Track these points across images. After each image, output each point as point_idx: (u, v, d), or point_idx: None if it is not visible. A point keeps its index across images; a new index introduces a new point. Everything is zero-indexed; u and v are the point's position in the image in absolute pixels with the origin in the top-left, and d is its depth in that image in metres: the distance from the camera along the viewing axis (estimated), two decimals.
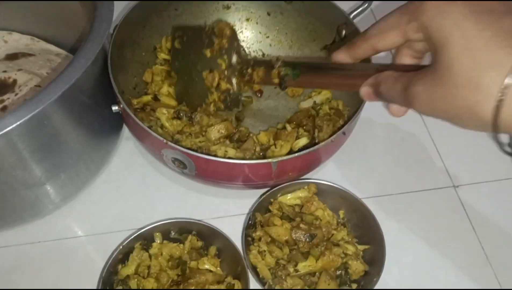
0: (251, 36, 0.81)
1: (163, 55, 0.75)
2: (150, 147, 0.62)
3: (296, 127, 0.68)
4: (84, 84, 0.56)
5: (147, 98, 0.71)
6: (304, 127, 0.68)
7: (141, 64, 0.75)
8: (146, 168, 0.70)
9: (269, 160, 0.55)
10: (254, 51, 0.81)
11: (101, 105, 0.62)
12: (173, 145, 0.55)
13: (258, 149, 0.65)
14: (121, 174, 0.69)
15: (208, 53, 0.63)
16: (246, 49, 0.81)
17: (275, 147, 0.64)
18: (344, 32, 0.71)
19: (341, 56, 0.52)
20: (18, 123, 0.48)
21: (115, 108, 0.61)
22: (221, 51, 0.62)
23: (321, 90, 0.74)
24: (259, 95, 0.77)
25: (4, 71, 0.71)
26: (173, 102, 0.70)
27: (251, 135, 0.68)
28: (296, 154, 0.56)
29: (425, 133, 0.75)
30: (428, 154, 0.73)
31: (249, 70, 0.62)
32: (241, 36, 0.81)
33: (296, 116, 0.70)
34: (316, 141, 0.64)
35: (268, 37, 0.81)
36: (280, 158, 0.55)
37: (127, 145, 0.72)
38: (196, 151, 0.56)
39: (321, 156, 0.63)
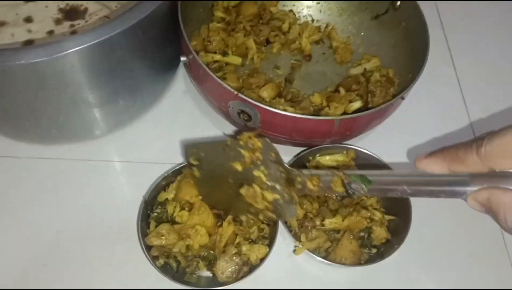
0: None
1: (219, 13, 0.77)
2: (217, 98, 0.64)
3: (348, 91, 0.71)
4: (154, 21, 0.60)
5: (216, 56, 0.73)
6: (356, 92, 0.70)
7: (197, 21, 0.76)
8: (194, 110, 0.74)
9: (333, 117, 0.58)
10: (303, 16, 0.84)
11: (165, 45, 0.66)
12: (243, 97, 0.58)
13: (312, 109, 0.68)
14: (171, 112, 0.73)
15: (239, 166, 0.54)
16: (296, 14, 0.83)
17: (329, 109, 0.67)
18: (399, 3, 0.72)
19: (433, 167, 0.42)
20: (91, 43, 0.52)
21: (183, 58, 0.64)
22: (255, 163, 0.54)
23: (371, 58, 0.76)
24: (307, 59, 0.79)
25: None
26: (237, 60, 0.73)
27: (305, 95, 0.71)
28: (361, 113, 0.59)
29: (467, 123, 0.77)
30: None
31: (299, 179, 0.52)
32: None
33: (346, 82, 0.73)
34: (370, 105, 0.67)
35: (318, 3, 0.83)
36: (344, 116, 0.59)
37: (179, 85, 0.76)
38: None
39: (376, 120, 0.66)
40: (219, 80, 0.59)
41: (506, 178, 0.39)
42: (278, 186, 0.53)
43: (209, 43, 0.74)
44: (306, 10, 0.83)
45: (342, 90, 0.70)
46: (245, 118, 0.61)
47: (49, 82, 0.55)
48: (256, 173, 0.53)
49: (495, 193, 0.39)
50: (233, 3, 0.79)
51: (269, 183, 0.53)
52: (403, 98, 0.63)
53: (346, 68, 0.78)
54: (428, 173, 0.43)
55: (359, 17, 0.80)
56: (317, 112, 0.69)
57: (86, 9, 0.74)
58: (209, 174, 0.58)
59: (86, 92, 0.59)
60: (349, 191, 0.50)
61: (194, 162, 0.58)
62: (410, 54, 0.72)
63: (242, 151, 0.53)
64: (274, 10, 0.80)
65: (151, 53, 0.63)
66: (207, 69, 0.60)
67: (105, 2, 0.76)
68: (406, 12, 0.73)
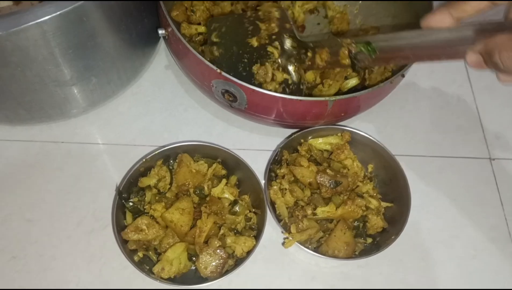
0: None
1: None
2: (199, 76, 0.58)
3: None
4: None
5: (200, 27, 0.66)
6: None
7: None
8: (176, 88, 0.68)
9: (326, 98, 0.53)
10: None
11: (142, 16, 0.59)
12: (227, 76, 0.52)
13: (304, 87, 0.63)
14: (151, 89, 0.68)
15: (254, 42, 0.55)
16: None
17: (323, 86, 0.61)
18: None
19: (439, 18, 0.44)
20: (55, 14, 0.47)
21: (161, 31, 0.58)
22: (270, 37, 0.55)
23: (369, 29, 0.71)
24: (300, 30, 0.73)
25: None
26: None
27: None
28: (357, 93, 0.54)
29: (471, 101, 0.71)
30: (469, 122, 0.69)
31: (309, 54, 0.54)
32: None
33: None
34: (367, 82, 0.62)
35: None
36: (338, 97, 0.53)
37: (160, 61, 0.70)
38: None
39: (373, 99, 0.61)
40: (200, 56, 0.53)
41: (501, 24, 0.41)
42: (289, 66, 0.54)
43: (192, 13, 0.67)
44: None
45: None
46: (230, 99, 0.55)
47: (11, 59, 0.50)
48: (270, 49, 0.54)
49: (490, 38, 0.39)
50: None
51: (280, 61, 0.54)
52: (403, 76, 0.57)
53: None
54: (431, 34, 0.45)
55: None
56: (310, 90, 0.63)
57: None
58: (226, 53, 0.57)
59: (54, 69, 0.53)
60: (355, 62, 0.52)
61: (216, 39, 0.57)
62: (411, 26, 0.66)
63: (260, 24, 0.55)
64: None
65: (126, 25, 0.57)
66: (187, 44, 0.54)
67: None
68: None
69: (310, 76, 0.63)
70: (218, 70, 0.52)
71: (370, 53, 0.51)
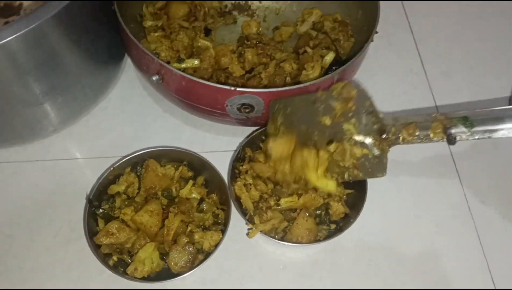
0: None
1: (149, 22, 0.72)
2: (209, 103, 0.59)
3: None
4: (84, 7, 0.57)
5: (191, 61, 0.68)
6: (319, 46, 0.69)
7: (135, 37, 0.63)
8: (145, 99, 0.71)
9: (332, 74, 0.57)
10: None
11: (101, 33, 0.63)
12: (243, 89, 0.55)
13: (288, 79, 0.66)
14: (119, 103, 0.71)
15: (327, 121, 0.53)
16: None
17: (307, 70, 0.65)
18: None
19: None
20: (15, 35, 0.50)
21: (155, 77, 0.59)
22: (346, 115, 0.52)
23: (311, 10, 0.75)
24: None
25: None
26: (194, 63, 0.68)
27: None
28: (354, 59, 0.59)
29: (427, 90, 0.75)
30: (426, 109, 0.73)
31: (393, 130, 0.51)
32: None
33: (301, 42, 0.71)
34: (342, 52, 0.68)
35: None
36: (342, 68, 0.58)
37: (128, 74, 0.74)
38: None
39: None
40: (210, 83, 0.56)
41: None
42: (368, 140, 0.52)
43: (157, 56, 0.67)
44: None
45: (308, 50, 0.69)
46: (247, 110, 0.58)
47: None
48: (346, 126, 0.52)
49: None
50: (159, 4, 0.74)
51: (358, 138, 0.52)
52: (377, 32, 0.62)
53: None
54: None
55: None
56: (295, 79, 0.67)
57: (21, 5, 0.71)
58: (292, 132, 0.56)
59: (20, 91, 0.56)
60: (450, 137, 0.49)
61: (280, 120, 0.56)
62: None
63: (334, 103, 0.52)
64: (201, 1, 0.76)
65: (85, 42, 0.60)
66: (191, 77, 0.56)
67: None
68: None
69: (287, 66, 0.67)
70: (233, 88, 0.55)
71: (467, 126, 0.49)
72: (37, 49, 0.54)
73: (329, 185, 0.56)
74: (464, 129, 0.49)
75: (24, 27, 0.50)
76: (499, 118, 0.49)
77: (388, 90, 0.74)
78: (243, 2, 0.80)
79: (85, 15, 0.58)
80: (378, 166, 0.53)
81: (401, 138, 0.51)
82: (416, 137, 0.51)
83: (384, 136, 0.51)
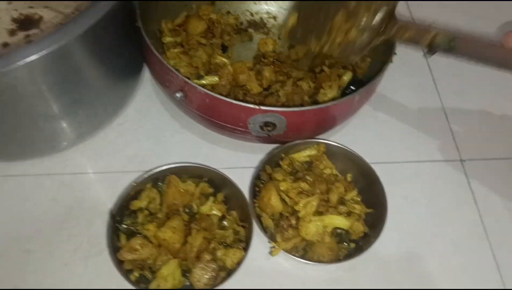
0: None
1: (169, 38, 0.73)
2: (231, 120, 0.60)
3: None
4: (108, 25, 0.57)
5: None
6: (336, 66, 0.70)
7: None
8: (162, 114, 0.72)
9: (353, 94, 0.60)
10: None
11: (124, 48, 0.63)
12: (267, 108, 0.56)
13: (306, 98, 0.67)
14: (137, 117, 0.71)
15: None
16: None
17: (324, 89, 0.66)
18: None
19: None
20: (41, 54, 0.50)
21: (179, 94, 0.60)
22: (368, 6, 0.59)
23: None
24: None
25: (31, 7, 0.72)
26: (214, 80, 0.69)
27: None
28: (374, 80, 0.61)
29: (439, 109, 0.76)
30: (439, 127, 0.74)
31: (394, 29, 0.59)
32: None
33: (318, 61, 0.72)
34: (359, 71, 0.70)
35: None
36: (363, 88, 0.60)
37: (145, 89, 0.74)
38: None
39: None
40: (235, 101, 0.57)
41: None
42: (366, 32, 0.59)
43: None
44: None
45: (325, 68, 0.69)
46: (269, 128, 0.59)
47: (1, 98, 0.53)
48: (362, 14, 0.59)
49: None
50: (178, 21, 0.75)
51: (361, 24, 0.58)
52: (395, 53, 0.64)
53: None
54: None
55: None
56: (312, 98, 0.68)
57: (41, 18, 0.71)
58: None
59: (42, 105, 0.57)
60: (431, 50, 0.56)
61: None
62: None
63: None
64: (218, 18, 0.77)
65: (108, 60, 0.60)
66: (215, 95, 0.57)
67: (60, 8, 0.74)
68: None
69: (305, 85, 0.68)
70: (257, 107, 0.56)
71: (449, 48, 0.54)
72: (61, 66, 0.54)
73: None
74: (443, 47, 0.55)
75: (49, 46, 0.50)
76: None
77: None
78: (259, 19, 0.81)
79: (109, 33, 0.59)
80: (355, 55, 0.61)
81: (395, 35, 0.59)
82: (405, 39, 0.58)
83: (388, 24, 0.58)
